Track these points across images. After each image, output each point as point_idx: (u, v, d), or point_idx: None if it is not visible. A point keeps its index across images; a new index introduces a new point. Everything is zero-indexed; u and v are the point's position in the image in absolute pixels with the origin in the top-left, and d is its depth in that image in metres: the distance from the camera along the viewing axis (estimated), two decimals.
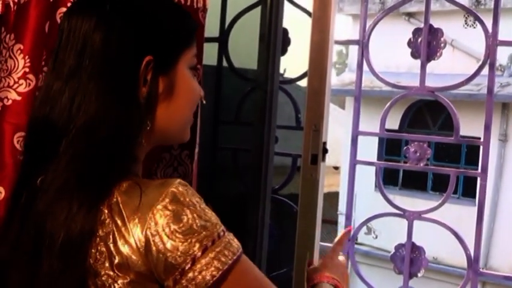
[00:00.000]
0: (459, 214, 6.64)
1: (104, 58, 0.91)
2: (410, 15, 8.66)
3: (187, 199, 0.84)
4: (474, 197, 7.57)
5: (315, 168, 1.59)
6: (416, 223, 1.82)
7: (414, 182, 9.22)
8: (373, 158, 7.84)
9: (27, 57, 1.37)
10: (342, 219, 8.94)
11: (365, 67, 1.87)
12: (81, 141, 0.89)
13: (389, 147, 9.30)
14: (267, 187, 1.96)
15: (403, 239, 1.85)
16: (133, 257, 0.83)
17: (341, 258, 1.23)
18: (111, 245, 0.84)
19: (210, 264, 0.82)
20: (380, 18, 1.85)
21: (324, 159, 1.61)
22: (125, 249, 0.84)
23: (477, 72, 1.75)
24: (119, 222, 0.84)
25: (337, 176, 9.67)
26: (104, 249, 0.85)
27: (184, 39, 0.99)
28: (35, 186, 0.92)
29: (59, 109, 0.91)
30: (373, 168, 2.00)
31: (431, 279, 7.39)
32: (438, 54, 1.77)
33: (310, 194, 1.60)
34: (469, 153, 8.56)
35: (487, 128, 1.75)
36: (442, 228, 1.84)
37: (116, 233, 0.84)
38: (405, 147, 1.84)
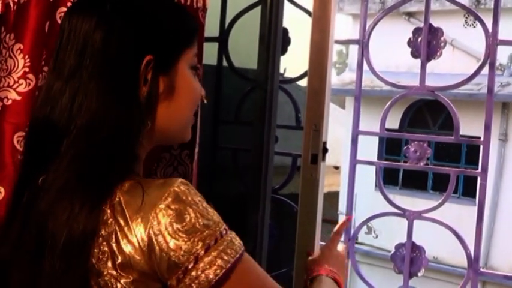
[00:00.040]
0: (459, 214, 6.65)
1: (104, 58, 0.91)
2: (410, 14, 8.66)
3: (190, 198, 0.85)
4: (474, 196, 7.57)
5: (315, 167, 1.59)
6: (417, 223, 1.82)
7: (414, 182, 9.22)
8: (373, 157, 7.84)
9: (27, 56, 1.37)
10: (342, 219, 8.93)
11: (365, 67, 1.87)
12: (82, 141, 0.89)
13: (390, 146, 9.30)
14: (267, 187, 1.96)
15: (403, 239, 1.85)
16: (136, 256, 0.83)
17: (340, 248, 1.23)
18: (114, 245, 0.84)
19: (213, 262, 0.82)
20: (380, 18, 1.85)
21: (324, 158, 1.61)
22: (127, 248, 0.84)
23: (477, 72, 1.75)
24: (122, 221, 0.84)
25: (337, 176, 9.67)
26: (106, 248, 0.85)
27: (184, 38, 0.98)
28: (36, 186, 0.92)
29: (59, 109, 0.91)
30: (373, 168, 2.00)
31: (432, 279, 7.39)
32: (438, 53, 1.77)
33: (310, 193, 1.60)
34: (469, 152, 8.56)
35: (487, 128, 1.75)
36: (442, 228, 1.84)
37: (118, 233, 0.84)
38: (405, 147, 1.84)
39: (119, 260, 0.84)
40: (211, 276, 0.82)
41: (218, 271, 0.82)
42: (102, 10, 0.92)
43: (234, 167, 2.14)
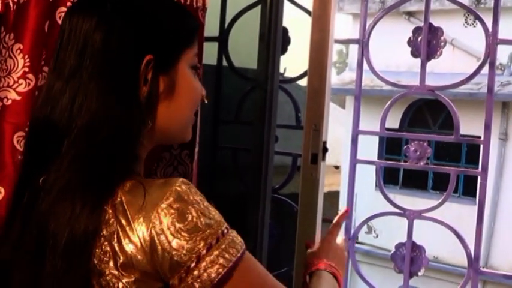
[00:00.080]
0: (459, 213, 6.65)
1: (104, 58, 0.91)
2: (410, 14, 8.67)
3: (191, 197, 0.85)
4: (474, 196, 7.57)
5: (315, 167, 1.59)
6: (417, 222, 1.82)
7: (415, 181, 9.22)
8: (374, 157, 7.84)
9: (26, 56, 1.37)
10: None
11: (365, 66, 1.86)
12: (82, 141, 0.89)
13: (390, 146, 9.30)
14: (267, 186, 1.96)
15: (404, 238, 1.85)
16: (138, 256, 0.83)
17: (339, 240, 1.22)
18: (116, 245, 0.84)
19: (215, 261, 0.83)
20: (380, 17, 1.85)
21: (324, 158, 1.61)
22: (129, 248, 0.84)
23: (477, 71, 1.75)
24: (123, 221, 0.85)
25: (337, 175, 9.66)
26: (108, 248, 0.85)
27: (185, 38, 0.99)
28: (37, 186, 0.92)
29: (60, 109, 0.91)
30: (373, 168, 1.99)
31: (432, 278, 7.40)
32: (438, 53, 1.76)
33: (311, 193, 1.60)
34: (470, 152, 8.56)
35: (487, 127, 1.75)
36: (443, 227, 1.84)
37: (120, 233, 0.84)
38: (405, 146, 1.84)
39: (121, 260, 0.84)
40: (213, 275, 0.82)
41: (220, 270, 0.83)
42: (103, 10, 0.93)
43: (234, 167, 2.14)
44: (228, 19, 2.08)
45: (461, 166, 8.44)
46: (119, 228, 0.85)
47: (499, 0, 1.70)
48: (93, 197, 0.86)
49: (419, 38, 1.77)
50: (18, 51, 1.37)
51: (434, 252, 7.61)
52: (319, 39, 1.60)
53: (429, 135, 2.14)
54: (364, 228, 7.57)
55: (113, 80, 0.91)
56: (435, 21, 1.77)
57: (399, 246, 1.85)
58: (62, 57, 0.93)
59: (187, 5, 1.43)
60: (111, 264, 0.85)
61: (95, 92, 0.90)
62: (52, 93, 0.92)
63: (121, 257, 0.84)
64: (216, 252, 0.83)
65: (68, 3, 1.36)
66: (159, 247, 0.82)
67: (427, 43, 1.76)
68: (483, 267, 6.69)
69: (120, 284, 0.84)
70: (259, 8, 1.97)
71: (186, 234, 0.82)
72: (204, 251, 0.82)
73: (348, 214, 1.27)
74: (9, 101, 1.38)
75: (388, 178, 9.21)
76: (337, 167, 9.96)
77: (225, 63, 2.11)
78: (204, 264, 0.82)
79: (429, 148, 1.81)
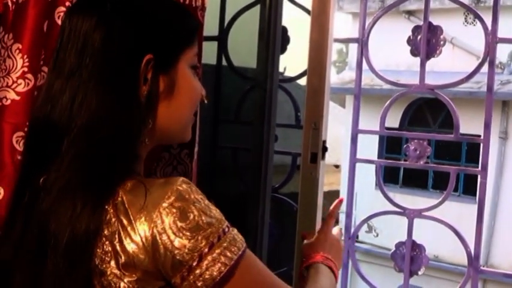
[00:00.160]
0: (460, 212, 6.65)
1: (104, 57, 0.91)
2: (410, 13, 8.66)
3: (192, 196, 0.85)
4: (475, 194, 7.57)
5: (314, 166, 1.59)
6: (417, 221, 1.82)
7: (415, 180, 9.22)
8: (374, 156, 7.84)
9: (25, 56, 1.37)
10: (342, 218, 8.93)
11: (365, 65, 1.86)
12: (82, 140, 0.89)
13: (390, 145, 9.30)
14: (267, 186, 1.96)
15: (404, 237, 1.85)
16: (140, 255, 0.84)
17: (335, 231, 1.22)
18: (117, 244, 0.84)
19: (217, 260, 0.83)
20: (379, 16, 1.85)
21: (323, 157, 1.61)
22: (131, 247, 0.84)
23: (477, 70, 1.75)
24: (125, 221, 0.85)
25: (337, 175, 9.66)
26: (109, 248, 0.85)
27: (185, 38, 0.99)
28: (37, 186, 0.92)
29: (59, 108, 0.91)
30: (373, 167, 1.99)
31: (432, 277, 7.40)
32: (438, 51, 1.76)
33: (310, 192, 1.60)
34: (470, 151, 8.55)
35: (487, 126, 1.75)
36: (443, 226, 1.84)
37: (121, 232, 0.85)
38: (405, 145, 1.84)
39: (123, 260, 0.84)
40: (215, 273, 0.83)
41: (222, 268, 0.83)
42: (103, 10, 0.93)
43: (234, 166, 2.14)
44: (227, 18, 2.08)
45: (461, 165, 8.43)
46: (120, 228, 0.85)
47: None
48: (93, 197, 0.86)
49: (419, 37, 1.77)
50: (17, 51, 1.37)
51: (434, 251, 7.61)
52: (318, 39, 1.60)
53: (429, 134, 2.14)
54: (365, 227, 7.57)
55: (112, 79, 0.91)
56: (435, 20, 1.77)
57: (399, 245, 1.86)
58: (62, 56, 0.93)
59: (187, 4, 1.43)
60: (112, 264, 0.85)
61: (94, 91, 0.90)
62: (52, 92, 0.92)
63: (122, 257, 0.84)
64: (217, 251, 0.83)
65: (67, 3, 1.36)
66: (161, 246, 0.83)
67: (427, 42, 1.76)
68: (483, 266, 6.70)
69: (122, 284, 0.84)
70: (258, 7, 1.97)
71: (188, 233, 0.83)
72: (206, 250, 0.83)
73: (341, 203, 1.27)
74: (8, 101, 1.38)
75: (388, 177, 9.21)
76: (337, 166, 9.96)
77: (224, 62, 2.11)
78: (206, 262, 0.83)
79: (429, 147, 1.81)
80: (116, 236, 0.85)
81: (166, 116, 0.95)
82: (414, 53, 1.79)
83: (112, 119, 0.89)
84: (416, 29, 1.79)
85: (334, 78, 9.66)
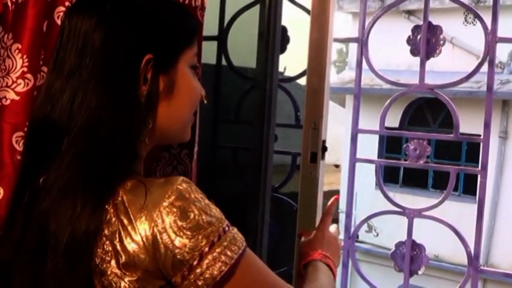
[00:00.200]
0: (460, 212, 6.65)
1: (104, 57, 0.91)
2: (410, 12, 8.66)
3: (193, 195, 0.85)
4: (474, 194, 7.57)
5: (314, 166, 1.59)
6: (417, 221, 1.82)
7: (415, 180, 9.22)
8: (374, 155, 7.84)
9: (25, 56, 1.37)
10: (342, 217, 8.93)
11: (365, 65, 1.86)
12: (82, 140, 0.89)
13: (390, 145, 9.30)
14: (267, 185, 1.96)
15: (404, 237, 1.85)
16: (141, 255, 0.84)
17: (333, 228, 1.22)
18: (118, 244, 0.85)
19: (217, 259, 0.83)
20: (379, 16, 1.85)
21: (323, 157, 1.61)
22: (131, 247, 0.84)
23: (477, 70, 1.75)
24: (125, 221, 0.85)
25: (337, 174, 9.67)
26: (110, 248, 0.85)
27: (184, 38, 0.99)
28: (37, 186, 0.92)
29: (59, 108, 0.91)
30: (373, 166, 1.99)
31: (432, 277, 7.39)
32: (437, 51, 1.76)
33: (310, 192, 1.60)
34: (469, 150, 8.55)
35: (487, 126, 1.75)
36: (443, 226, 1.84)
37: (122, 232, 0.85)
38: (405, 145, 1.84)
39: (123, 259, 0.84)
40: (215, 272, 0.83)
41: (223, 268, 0.83)
42: (102, 10, 0.93)
43: (233, 166, 2.14)
44: (227, 18, 2.08)
45: (461, 164, 8.42)
46: (120, 228, 0.85)
47: None
48: (93, 197, 0.86)
49: (419, 37, 1.77)
50: (17, 51, 1.37)
51: (434, 251, 7.61)
52: (318, 38, 1.60)
53: (429, 134, 2.15)
54: (365, 227, 7.58)
55: (112, 79, 0.91)
56: (434, 20, 1.77)
57: (399, 245, 1.86)
58: (62, 56, 0.93)
59: (186, 4, 1.43)
60: (113, 263, 0.85)
61: (94, 91, 0.90)
62: (52, 92, 0.92)
63: (123, 256, 0.84)
64: (218, 250, 0.83)
65: (67, 3, 1.36)
66: (162, 246, 0.83)
67: (427, 42, 1.76)
68: (483, 266, 6.70)
69: (122, 283, 0.84)
70: (258, 7, 1.97)
71: (188, 233, 0.83)
72: (206, 249, 0.83)
73: (337, 201, 1.27)
74: (8, 101, 1.38)
75: (388, 177, 9.21)
76: (337, 166, 9.96)
77: (224, 62, 2.11)
78: (206, 262, 0.83)
79: (429, 147, 1.81)
80: (117, 235, 0.85)
81: (166, 115, 0.95)
82: (414, 52, 1.79)
83: (112, 119, 0.89)
84: (416, 29, 1.79)
85: (334, 78, 9.65)
